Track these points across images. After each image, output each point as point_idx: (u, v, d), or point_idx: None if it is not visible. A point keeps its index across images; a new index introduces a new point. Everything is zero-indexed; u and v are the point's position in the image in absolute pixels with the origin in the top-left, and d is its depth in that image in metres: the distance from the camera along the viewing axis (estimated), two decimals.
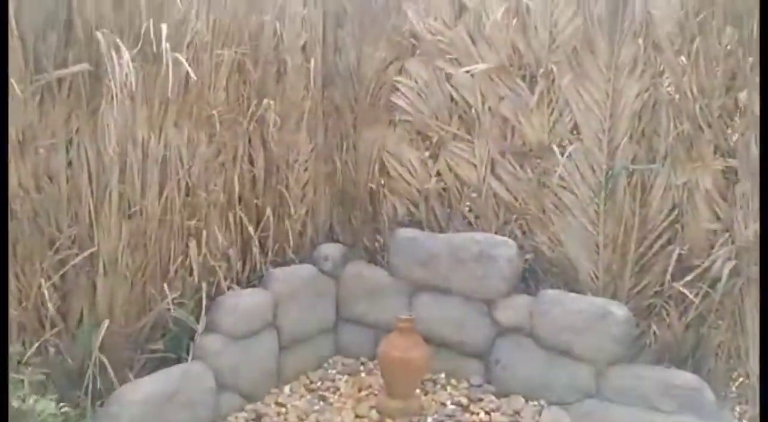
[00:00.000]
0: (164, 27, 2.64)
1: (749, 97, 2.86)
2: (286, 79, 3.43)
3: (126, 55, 2.50)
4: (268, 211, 3.38)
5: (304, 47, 3.55)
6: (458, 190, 3.54)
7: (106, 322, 2.64)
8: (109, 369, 2.62)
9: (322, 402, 3.12)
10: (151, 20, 2.62)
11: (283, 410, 3.03)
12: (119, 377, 2.66)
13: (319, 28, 3.65)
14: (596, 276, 3.21)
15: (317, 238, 3.74)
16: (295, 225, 3.54)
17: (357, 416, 3.01)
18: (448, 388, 3.25)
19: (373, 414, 3.01)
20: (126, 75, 2.49)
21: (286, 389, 3.21)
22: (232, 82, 3.16)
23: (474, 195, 3.51)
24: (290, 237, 3.49)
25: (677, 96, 2.98)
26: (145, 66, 2.68)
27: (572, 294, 3.14)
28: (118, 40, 2.53)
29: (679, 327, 3.03)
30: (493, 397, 3.15)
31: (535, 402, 3.09)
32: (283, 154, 3.47)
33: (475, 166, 3.47)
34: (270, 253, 3.40)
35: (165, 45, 2.62)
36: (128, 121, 2.67)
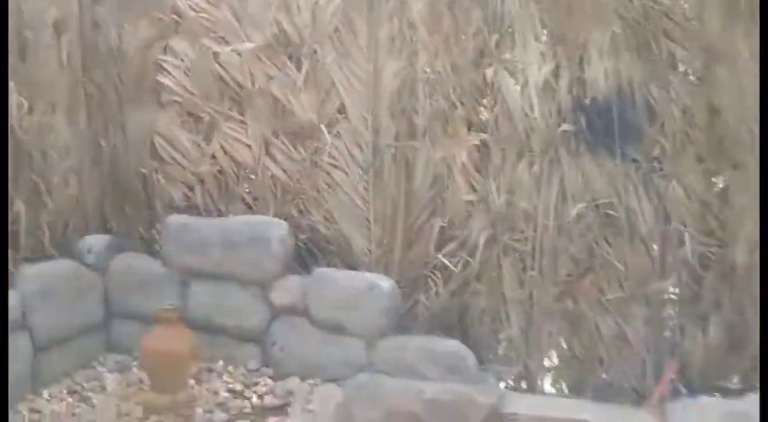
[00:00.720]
0: None
1: (495, 73, 3.02)
2: (31, 59, 3.13)
3: None
4: (19, 204, 3.08)
5: (55, 24, 3.27)
6: (234, 172, 3.45)
7: None
8: None
9: (84, 404, 2.91)
10: None
11: (36, 417, 2.79)
12: None
13: (74, 4, 3.37)
14: (369, 252, 3.26)
15: (86, 230, 3.49)
16: (53, 217, 3.27)
17: (121, 414, 2.84)
18: (225, 376, 3.15)
19: (138, 410, 2.86)
20: None
21: (45, 393, 2.96)
22: None
23: (252, 176, 3.44)
24: (47, 231, 3.21)
25: (432, 74, 3.08)
26: None
27: (343, 271, 3.18)
28: None
29: (446, 296, 3.17)
30: (269, 380, 3.12)
31: (310, 381, 3.09)
32: (35, 140, 3.18)
33: (250, 146, 3.39)
34: (23, 250, 3.11)
35: None
36: None
